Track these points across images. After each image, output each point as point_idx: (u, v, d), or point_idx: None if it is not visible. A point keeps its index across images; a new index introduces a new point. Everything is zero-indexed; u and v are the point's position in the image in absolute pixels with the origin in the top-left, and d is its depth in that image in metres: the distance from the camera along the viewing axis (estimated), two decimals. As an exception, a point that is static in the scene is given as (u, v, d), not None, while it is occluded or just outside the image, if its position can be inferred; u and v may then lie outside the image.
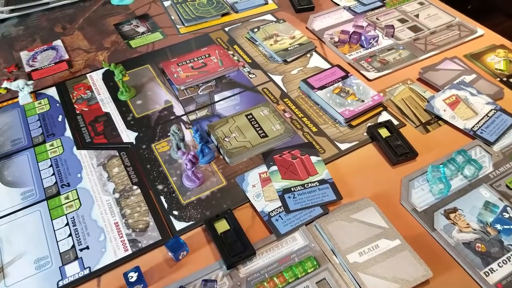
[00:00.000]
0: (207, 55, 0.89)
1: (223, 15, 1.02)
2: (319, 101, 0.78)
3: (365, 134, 0.73)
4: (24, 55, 0.93)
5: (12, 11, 1.06)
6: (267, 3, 1.06)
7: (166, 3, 1.08)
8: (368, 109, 0.76)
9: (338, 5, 1.04)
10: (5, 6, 1.06)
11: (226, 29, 0.98)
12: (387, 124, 0.72)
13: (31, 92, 0.82)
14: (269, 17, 1.02)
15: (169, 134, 0.74)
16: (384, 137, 0.70)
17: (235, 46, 0.93)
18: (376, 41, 0.91)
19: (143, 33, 0.98)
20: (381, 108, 0.77)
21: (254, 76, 0.85)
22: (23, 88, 0.80)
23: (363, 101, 0.76)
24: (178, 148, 0.70)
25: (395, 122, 0.74)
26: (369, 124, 0.74)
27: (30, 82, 0.80)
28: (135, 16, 1.04)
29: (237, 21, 1.01)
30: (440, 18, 0.98)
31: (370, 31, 0.92)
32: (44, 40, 0.98)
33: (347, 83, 0.80)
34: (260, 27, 0.96)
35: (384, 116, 0.76)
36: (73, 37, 0.98)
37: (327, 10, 1.03)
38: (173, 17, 1.03)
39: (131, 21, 1.02)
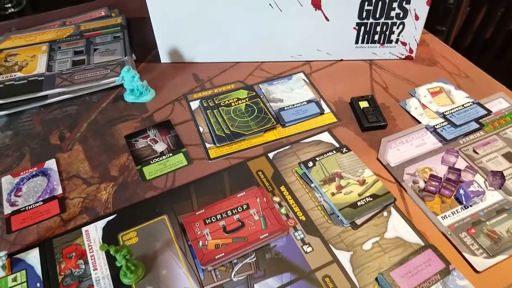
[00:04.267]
0: (245, 207, 0.65)
1: (266, 130, 0.78)
2: (410, 319, 0.53)
3: None
4: (6, 183, 0.71)
5: (0, 107, 0.84)
6: (323, 113, 0.82)
7: (194, 105, 0.85)
8: None
9: (419, 122, 0.79)
10: (-7, 100, 0.84)
11: (270, 155, 0.74)
12: None
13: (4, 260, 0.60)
14: (326, 137, 0.77)
15: None
16: None
17: (282, 188, 0.69)
18: (481, 199, 0.65)
19: (162, 153, 0.75)
20: None
21: (310, 249, 0.61)
22: (-9, 262, 0.58)
23: (478, 328, 0.51)
24: None
25: None
26: None
27: (2, 254, 0.58)
28: (152, 124, 0.81)
29: (285, 141, 0.77)
30: None
31: (472, 183, 0.66)
32: (34, 157, 0.76)
33: (450, 286, 0.55)
34: (316, 159, 0.71)
35: None
36: (71, 154, 0.76)
37: (404, 131, 0.77)
38: (201, 129, 0.79)
39: (147, 131, 0.79)
